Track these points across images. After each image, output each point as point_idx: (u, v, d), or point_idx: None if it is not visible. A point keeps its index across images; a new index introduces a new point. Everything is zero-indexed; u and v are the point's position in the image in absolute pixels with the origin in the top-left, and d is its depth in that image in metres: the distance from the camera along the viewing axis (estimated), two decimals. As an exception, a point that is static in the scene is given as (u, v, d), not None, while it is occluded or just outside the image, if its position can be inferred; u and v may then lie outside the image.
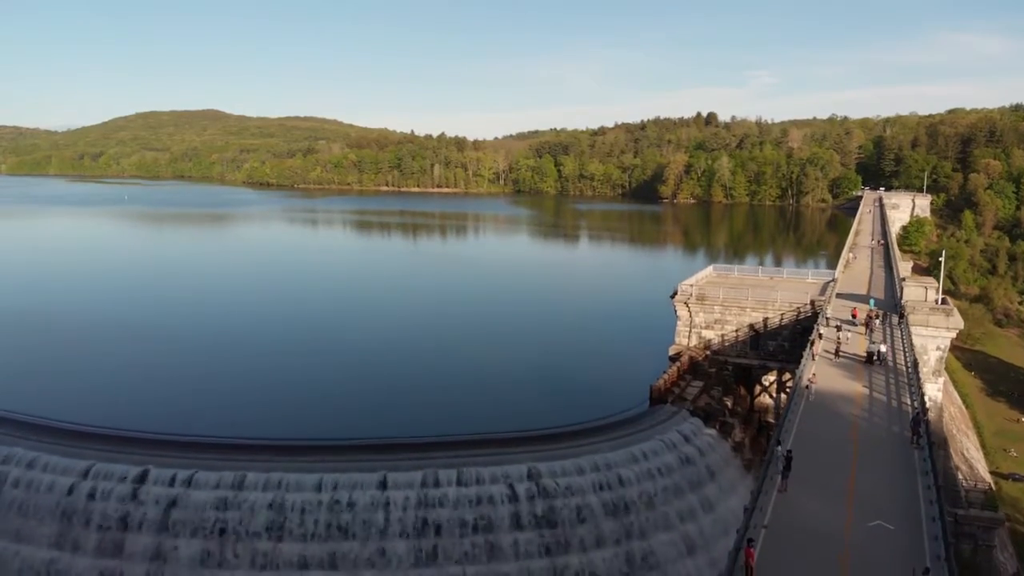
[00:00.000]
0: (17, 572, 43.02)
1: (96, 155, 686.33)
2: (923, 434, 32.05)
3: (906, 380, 41.46)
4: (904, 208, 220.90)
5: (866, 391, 40.38)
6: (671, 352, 66.33)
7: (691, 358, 64.23)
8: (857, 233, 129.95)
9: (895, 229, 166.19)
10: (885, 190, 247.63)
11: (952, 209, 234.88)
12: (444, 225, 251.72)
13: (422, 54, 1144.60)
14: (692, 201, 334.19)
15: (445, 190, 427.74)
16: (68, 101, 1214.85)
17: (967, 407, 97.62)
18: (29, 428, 50.09)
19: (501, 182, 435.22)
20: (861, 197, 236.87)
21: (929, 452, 30.10)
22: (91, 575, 41.96)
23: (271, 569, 41.09)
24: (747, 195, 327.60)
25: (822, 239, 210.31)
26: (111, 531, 42.64)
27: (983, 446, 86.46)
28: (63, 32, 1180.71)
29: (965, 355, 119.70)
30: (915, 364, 41.87)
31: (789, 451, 28.90)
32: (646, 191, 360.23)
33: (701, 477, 48.58)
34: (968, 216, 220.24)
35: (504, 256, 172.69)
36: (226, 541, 41.73)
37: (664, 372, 59.86)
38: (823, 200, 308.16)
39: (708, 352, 65.90)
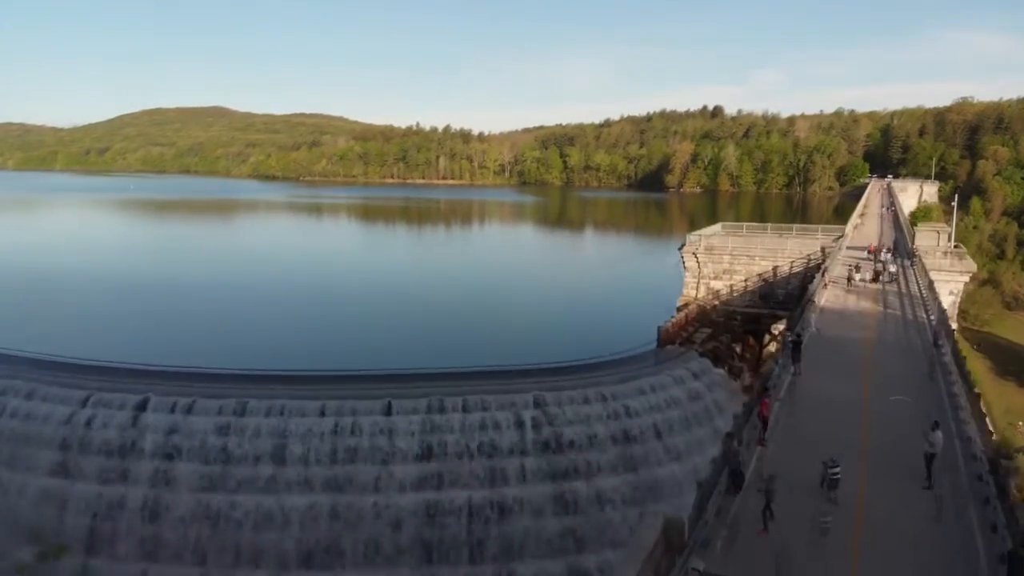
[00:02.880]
0: (15, 500, 42.43)
1: (102, 150, 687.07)
2: (943, 337, 31.27)
3: (921, 301, 40.66)
4: (912, 193, 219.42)
5: (880, 309, 39.76)
6: (679, 303, 65.59)
7: (699, 307, 63.45)
8: (866, 205, 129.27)
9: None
10: (892, 178, 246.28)
11: (960, 196, 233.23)
12: (452, 208, 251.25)
13: (427, 52, 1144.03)
14: (698, 190, 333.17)
15: (450, 182, 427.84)
16: (74, 98, 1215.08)
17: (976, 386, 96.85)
18: (27, 363, 49.47)
19: (506, 174, 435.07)
20: (868, 185, 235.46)
21: (951, 348, 29.27)
22: (90, 501, 41.35)
23: (274, 493, 40.42)
24: (754, 184, 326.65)
25: (828, 224, 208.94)
26: (110, 458, 41.99)
27: (992, 423, 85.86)
28: (68, 29, 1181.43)
29: (974, 336, 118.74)
30: (930, 284, 41.06)
31: (799, 334, 28.19)
32: (652, 181, 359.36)
33: (709, 412, 47.78)
34: (976, 202, 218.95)
35: (513, 232, 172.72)
36: (228, 466, 41.07)
37: (672, 317, 59.12)
38: (830, 188, 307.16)
39: (716, 303, 65.11)
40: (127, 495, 41.31)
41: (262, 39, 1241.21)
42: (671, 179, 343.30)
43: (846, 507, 20.20)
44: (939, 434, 20.57)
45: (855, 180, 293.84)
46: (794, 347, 27.04)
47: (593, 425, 43.65)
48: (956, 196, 69.90)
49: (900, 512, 19.95)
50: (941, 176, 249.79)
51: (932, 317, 35.35)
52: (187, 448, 41.33)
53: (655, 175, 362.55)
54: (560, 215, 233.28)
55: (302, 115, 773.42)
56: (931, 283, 41.87)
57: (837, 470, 20.00)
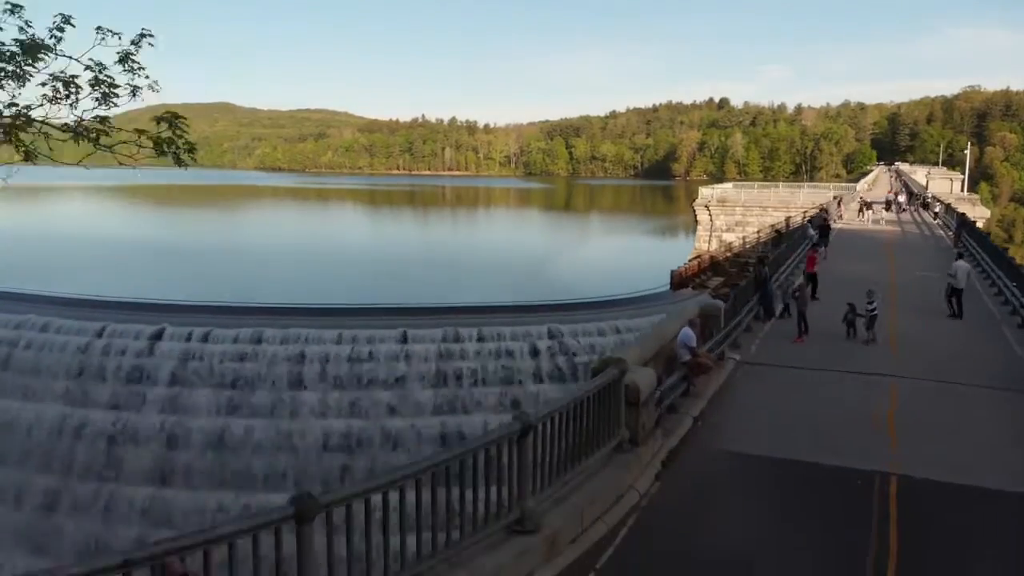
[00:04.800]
0: (29, 428, 42.54)
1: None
2: (965, 236, 31.30)
3: (940, 222, 40.76)
4: (920, 179, 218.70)
5: (897, 229, 39.85)
6: (691, 256, 65.56)
7: (712, 257, 63.35)
8: (875, 179, 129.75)
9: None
10: (900, 164, 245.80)
11: (968, 182, 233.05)
12: (459, 194, 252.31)
13: (430, 49, 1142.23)
14: (705, 178, 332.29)
15: (456, 173, 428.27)
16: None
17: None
18: (41, 300, 49.79)
19: (512, 165, 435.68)
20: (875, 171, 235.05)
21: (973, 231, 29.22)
22: (105, 427, 41.44)
23: (291, 418, 40.52)
24: (761, 172, 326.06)
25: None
26: (126, 384, 42.11)
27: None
28: (72, 26, 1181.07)
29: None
30: (948, 207, 41.04)
31: (825, 219, 28.21)
32: (658, 170, 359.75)
33: (725, 347, 47.73)
34: (984, 188, 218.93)
35: (523, 210, 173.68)
36: (244, 391, 41.18)
37: (685, 263, 59.12)
38: (837, 175, 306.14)
39: (729, 254, 65.00)
40: (142, 421, 41.43)
41: (266, 35, 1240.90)
42: (678, 167, 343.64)
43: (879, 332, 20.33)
44: (962, 263, 20.48)
45: (862, 167, 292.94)
46: (820, 233, 27.13)
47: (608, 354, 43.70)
48: (969, 145, 69.54)
49: (935, 336, 20.27)
50: (949, 163, 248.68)
51: (952, 226, 35.45)
52: (203, 374, 41.46)
53: (661, 164, 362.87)
54: (567, 199, 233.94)
55: (307, 110, 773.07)
56: (949, 206, 41.87)
57: (875, 305, 19.82)
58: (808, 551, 11.71)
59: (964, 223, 31.06)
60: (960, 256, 20.89)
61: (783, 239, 63.88)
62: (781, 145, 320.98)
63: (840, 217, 45.69)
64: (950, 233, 35.09)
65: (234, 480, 40.25)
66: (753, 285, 19.67)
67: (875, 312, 19.81)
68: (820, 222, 27.91)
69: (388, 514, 9.93)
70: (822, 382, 17.48)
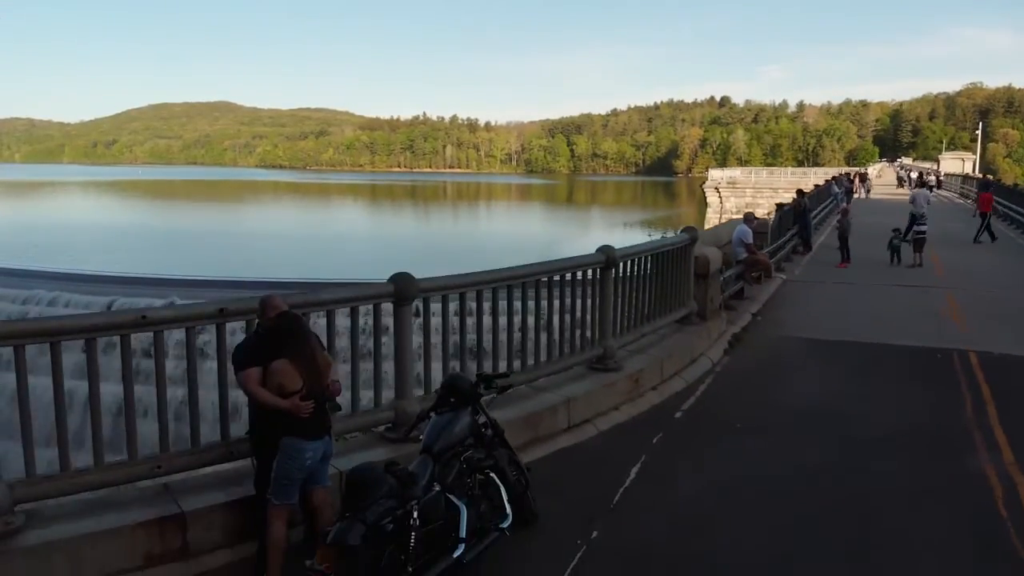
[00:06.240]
0: (36, 402, 42.17)
1: (109, 143, 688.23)
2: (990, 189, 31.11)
3: (957, 193, 40.53)
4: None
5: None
6: (701, 239, 65.28)
7: (722, 238, 63.08)
8: (881, 171, 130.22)
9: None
10: (903, 159, 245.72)
11: (979, 164, 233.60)
12: (462, 189, 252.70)
13: (433, 48, 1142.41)
14: (707, 175, 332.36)
15: (457, 170, 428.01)
16: (79, 93, 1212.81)
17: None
18: (48, 276, 49.33)
19: (513, 162, 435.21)
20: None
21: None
22: (115, 401, 41.02)
23: (302, 389, 40.27)
24: (763, 168, 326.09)
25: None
26: (136, 358, 41.72)
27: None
28: (73, 25, 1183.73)
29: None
30: (966, 177, 40.76)
31: (849, 179, 28.00)
32: (660, 167, 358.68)
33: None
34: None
35: (528, 202, 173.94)
36: (255, 363, 40.94)
37: (696, 243, 58.81)
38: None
39: (740, 236, 64.80)
40: (153, 394, 41.14)
41: (266, 34, 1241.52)
42: (680, 164, 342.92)
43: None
44: (923, 190, 20.84)
45: (865, 163, 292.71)
46: (846, 191, 27.11)
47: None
48: (981, 124, 69.26)
49: (976, 264, 21.07)
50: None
51: (973, 194, 35.26)
52: (213, 346, 41.16)
53: (663, 161, 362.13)
54: (571, 193, 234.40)
55: (307, 109, 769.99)
56: (967, 176, 41.72)
57: (924, 228, 19.90)
58: (900, 404, 12.00)
59: (988, 184, 30.89)
60: (922, 185, 21.63)
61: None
62: (783, 142, 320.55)
63: (856, 191, 45.71)
64: (969, 202, 34.99)
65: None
66: (792, 215, 19.57)
67: (924, 235, 19.97)
68: (845, 181, 28.00)
69: (481, 319, 11.26)
70: (877, 291, 18.58)
